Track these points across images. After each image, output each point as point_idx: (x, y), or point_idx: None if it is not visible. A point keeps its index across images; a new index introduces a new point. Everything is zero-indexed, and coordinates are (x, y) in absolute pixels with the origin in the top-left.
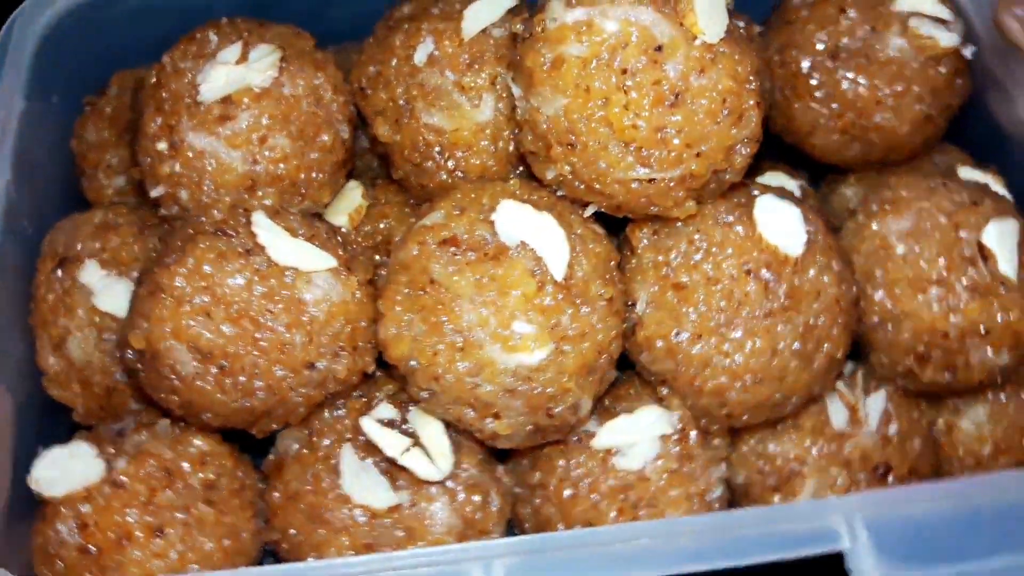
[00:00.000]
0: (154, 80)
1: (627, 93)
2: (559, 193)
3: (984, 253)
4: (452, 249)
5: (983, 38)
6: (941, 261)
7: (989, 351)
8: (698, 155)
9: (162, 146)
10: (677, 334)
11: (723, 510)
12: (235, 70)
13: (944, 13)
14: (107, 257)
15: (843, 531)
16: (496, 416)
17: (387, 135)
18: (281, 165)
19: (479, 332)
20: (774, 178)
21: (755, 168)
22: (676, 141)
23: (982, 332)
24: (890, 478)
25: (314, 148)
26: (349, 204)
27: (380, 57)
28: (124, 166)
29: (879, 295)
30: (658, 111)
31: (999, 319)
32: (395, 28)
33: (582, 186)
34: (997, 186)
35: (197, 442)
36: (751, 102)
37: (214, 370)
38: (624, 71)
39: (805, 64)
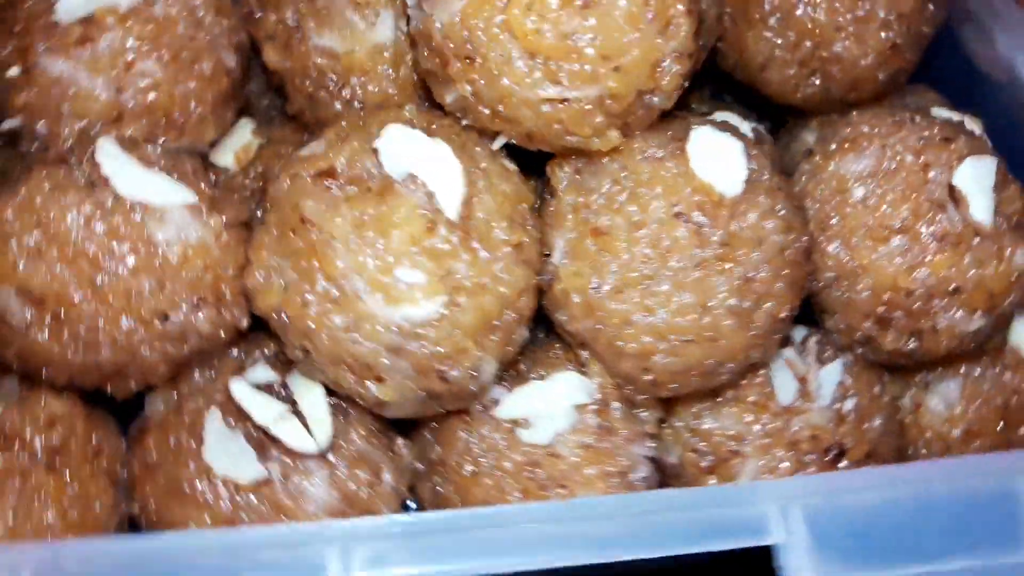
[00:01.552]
0: None
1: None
2: (464, 122)
3: (955, 196)
4: (328, 182)
5: None
6: (905, 206)
7: (960, 313)
8: (616, 68)
9: (14, 72)
10: (596, 288)
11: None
12: None
13: None
14: None
15: (776, 522)
16: (379, 379)
17: (277, 61)
18: (152, 93)
19: (356, 280)
20: (722, 117)
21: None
22: (590, 51)
23: (951, 290)
24: (843, 462)
25: (191, 76)
26: (237, 142)
27: None
28: None
29: (834, 247)
30: (567, 13)
31: (971, 274)
32: None
33: (487, 111)
34: (973, 126)
35: (45, 403)
36: (680, 7)
37: (48, 319)
38: None
39: None
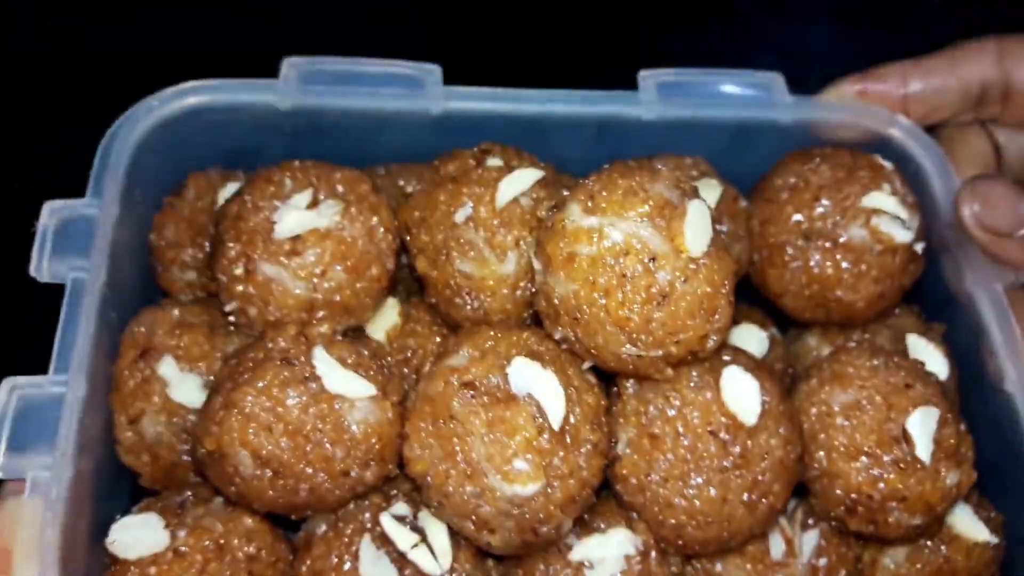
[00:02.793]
0: (235, 211)
1: (624, 291)
2: (564, 346)
3: (906, 436)
4: (471, 392)
5: (943, 212)
6: (872, 436)
7: (906, 514)
8: (677, 342)
9: (239, 271)
10: (648, 475)
11: None
12: (306, 214)
13: (903, 213)
14: (181, 353)
15: None
16: (491, 531)
17: (425, 270)
18: (337, 295)
19: (485, 464)
20: (747, 330)
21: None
22: (660, 332)
23: (900, 499)
24: None
25: (364, 279)
26: (387, 321)
27: (426, 206)
28: (195, 262)
29: (820, 454)
30: (648, 308)
31: (915, 490)
32: (440, 184)
33: (581, 349)
34: (936, 354)
35: (246, 521)
36: (723, 302)
37: (269, 473)
38: (623, 275)
39: (781, 240)
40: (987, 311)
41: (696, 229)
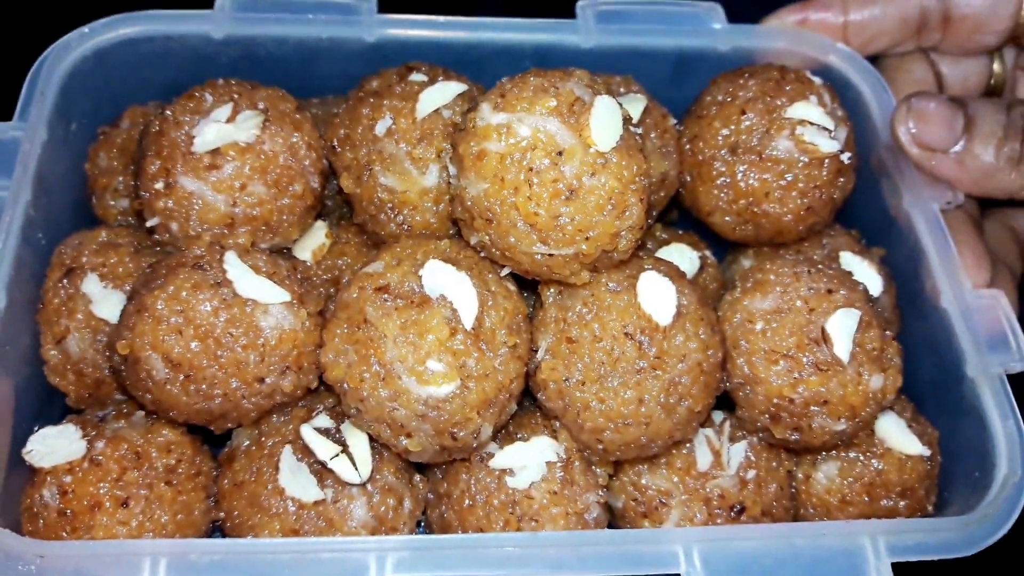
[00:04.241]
0: (156, 128)
1: (532, 187)
2: (482, 254)
3: (825, 337)
4: (384, 296)
5: (882, 136)
6: (792, 339)
7: (829, 419)
8: (587, 239)
9: (159, 185)
10: (566, 380)
11: (600, 529)
12: (224, 128)
13: (828, 123)
14: (106, 271)
15: (682, 558)
16: (408, 435)
17: (350, 188)
18: (257, 208)
19: (399, 366)
20: (677, 250)
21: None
22: (569, 228)
23: (822, 402)
24: (743, 517)
25: (287, 195)
26: (314, 242)
27: (349, 123)
28: (128, 190)
29: (741, 361)
30: (556, 203)
31: (836, 393)
32: (363, 99)
33: (497, 252)
34: (869, 271)
35: (165, 432)
36: (634, 199)
37: (181, 378)
38: (531, 169)
39: (708, 155)
40: (923, 230)
41: (603, 124)
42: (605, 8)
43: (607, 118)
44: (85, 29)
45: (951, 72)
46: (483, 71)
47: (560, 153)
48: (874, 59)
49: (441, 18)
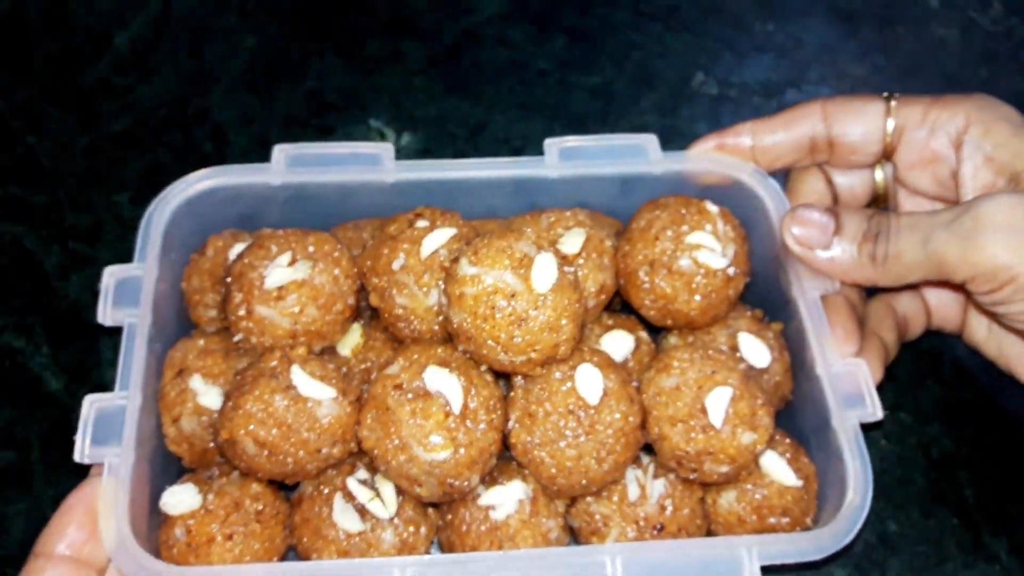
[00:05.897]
0: (238, 270)
1: (495, 319)
2: (467, 356)
3: (703, 409)
4: (398, 392)
5: (779, 237)
6: (684, 410)
7: (714, 465)
8: (535, 351)
9: (242, 312)
10: (529, 442)
11: (558, 546)
12: (286, 270)
13: (717, 246)
14: (205, 371)
15: (608, 565)
16: (419, 485)
17: (377, 303)
18: (312, 326)
19: (411, 440)
20: (619, 335)
21: (614, 320)
22: (522, 344)
23: (708, 453)
24: (663, 534)
25: (332, 313)
26: (352, 340)
27: (374, 257)
28: (215, 303)
29: (652, 424)
30: (511, 328)
31: (717, 447)
32: (384, 241)
33: (476, 358)
34: (761, 347)
35: (254, 487)
36: (567, 323)
37: (265, 452)
38: (493, 307)
39: (633, 268)
40: (805, 313)
41: (542, 273)
42: (566, 146)
43: (545, 268)
44: (180, 185)
45: (842, 182)
46: (477, 197)
47: (513, 295)
48: (787, 172)
49: (444, 161)
